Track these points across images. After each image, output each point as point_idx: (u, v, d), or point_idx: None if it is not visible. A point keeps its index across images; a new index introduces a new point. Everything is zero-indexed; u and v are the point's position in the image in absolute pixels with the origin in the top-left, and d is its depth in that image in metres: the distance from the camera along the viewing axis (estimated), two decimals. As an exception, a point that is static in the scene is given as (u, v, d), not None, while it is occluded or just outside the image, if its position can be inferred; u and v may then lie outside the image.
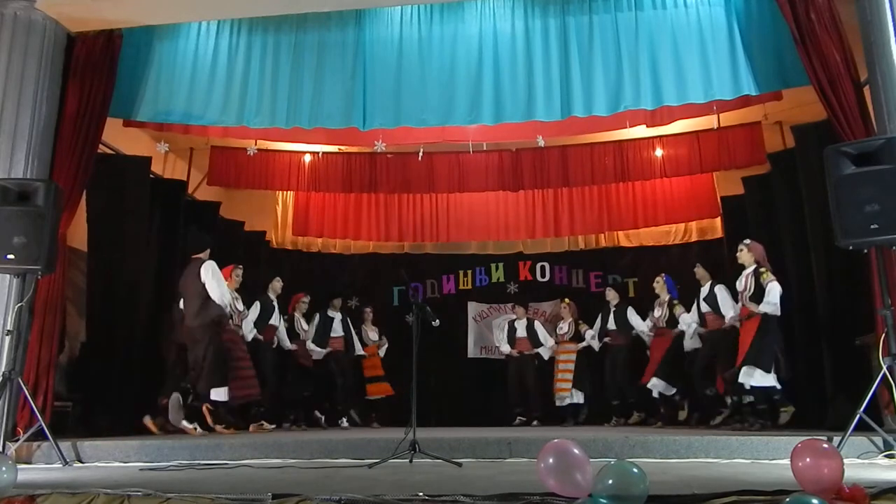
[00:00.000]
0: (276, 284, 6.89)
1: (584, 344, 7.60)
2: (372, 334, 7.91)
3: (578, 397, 7.61)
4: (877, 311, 3.98)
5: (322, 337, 7.26)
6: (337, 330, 7.39)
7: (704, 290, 6.24)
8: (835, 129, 4.51)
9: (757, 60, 5.16)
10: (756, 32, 5.19)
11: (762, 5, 5.17)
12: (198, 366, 5.41)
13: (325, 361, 7.21)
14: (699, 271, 6.42)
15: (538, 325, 8.08)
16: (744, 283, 5.50)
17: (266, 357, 6.55)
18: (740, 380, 5.20)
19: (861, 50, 4.51)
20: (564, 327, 7.84)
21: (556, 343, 7.86)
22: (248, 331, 6.40)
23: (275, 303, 6.78)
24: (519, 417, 7.76)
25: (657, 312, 6.91)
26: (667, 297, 6.82)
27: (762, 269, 5.35)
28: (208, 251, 5.72)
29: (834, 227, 3.92)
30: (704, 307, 6.19)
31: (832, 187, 3.91)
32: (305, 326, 7.24)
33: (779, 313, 5.22)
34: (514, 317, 8.19)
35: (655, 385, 6.60)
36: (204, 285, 5.44)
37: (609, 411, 7.32)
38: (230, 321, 5.97)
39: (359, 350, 7.59)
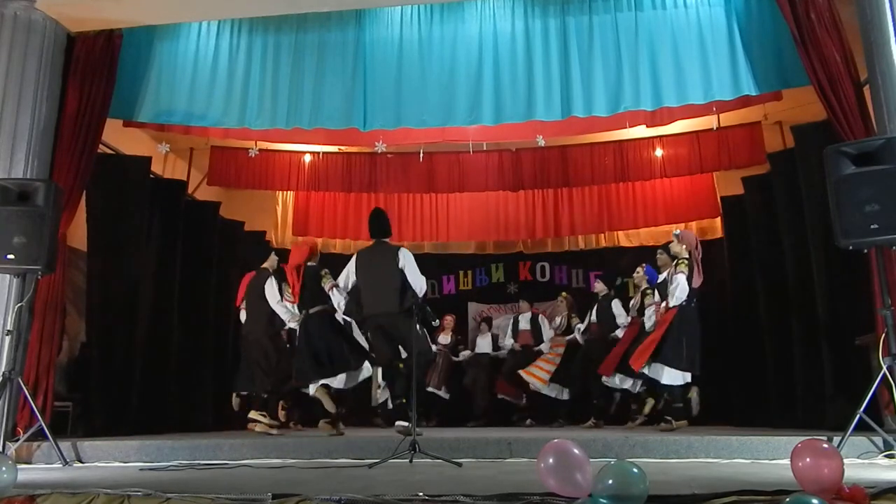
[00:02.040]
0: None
1: (570, 336, 7.49)
2: None
3: (559, 393, 7.40)
4: (877, 311, 3.97)
5: None
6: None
7: (659, 278, 6.06)
8: (835, 129, 4.51)
9: (757, 60, 5.15)
10: (756, 32, 5.19)
11: (762, 5, 5.17)
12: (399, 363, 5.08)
13: None
14: (662, 258, 6.12)
15: (542, 320, 8.00)
16: (668, 273, 5.57)
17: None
18: (650, 374, 5.34)
19: (861, 50, 4.50)
20: (558, 320, 7.79)
21: (553, 336, 7.79)
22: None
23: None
24: (529, 419, 7.70)
25: (632, 302, 6.78)
26: (643, 287, 6.61)
27: (680, 260, 5.38)
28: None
29: (834, 227, 3.91)
30: (657, 296, 6.03)
31: (832, 187, 3.91)
32: None
33: (673, 304, 5.28)
34: (516, 314, 8.17)
35: (614, 380, 6.46)
36: (402, 271, 5.08)
37: (586, 408, 7.17)
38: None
39: None
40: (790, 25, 4.73)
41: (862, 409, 3.65)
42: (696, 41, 5.27)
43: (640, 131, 7.53)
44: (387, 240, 5.40)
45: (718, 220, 8.02)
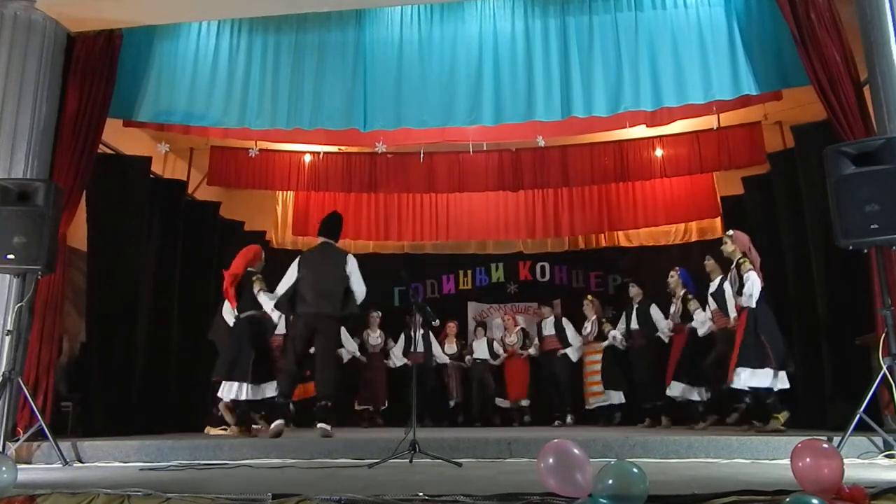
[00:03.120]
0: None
1: (606, 343, 7.36)
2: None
3: (616, 397, 7.33)
4: (877, 311, 3.97)
5: None
6: None
7: (713, 286, 5.93)
8: (835, 129, 4.51)
9: (757, 60, 5.16)
10: (756, 32, 5.19)
11: (762, 5, 5.17)
12: (325, 363, 5.19)
13: None
14: (709, 264, 6.08)
15: (566, 323, 7.93)
16: (731, 276, 5.40)
17: None
18: (734, 385, 5.07)
19: (861, 50, 4.50)
20: (588, 327, 7.66)
21: (583, 343, 7.71)
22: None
23: None
24: (557, 420, 7.66)
25: (672, 309, 6.64)
26: (681, 292, 6.51)
27: (742, 260, 5.19)
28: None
29: (834, 227, 3.91)
30: (713, 304, 5.91)
31: (832, 187, 3.91)
32: None
33: (753, 304, 5.05)
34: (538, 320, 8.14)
35: (675, 390, 6.32)
36: (348, 277, 5.18)
37: (640, 412, 7.11)
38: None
39: None
40: (790, 25, 4.73)
41: (862, 409, 3.64)
42: (696, 41, 5.27)
43: (640, 131, 7.53)
44: (334, 242, 5.42)
45: (718, 220, 8.03)
